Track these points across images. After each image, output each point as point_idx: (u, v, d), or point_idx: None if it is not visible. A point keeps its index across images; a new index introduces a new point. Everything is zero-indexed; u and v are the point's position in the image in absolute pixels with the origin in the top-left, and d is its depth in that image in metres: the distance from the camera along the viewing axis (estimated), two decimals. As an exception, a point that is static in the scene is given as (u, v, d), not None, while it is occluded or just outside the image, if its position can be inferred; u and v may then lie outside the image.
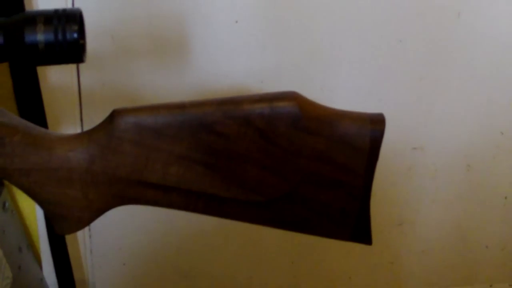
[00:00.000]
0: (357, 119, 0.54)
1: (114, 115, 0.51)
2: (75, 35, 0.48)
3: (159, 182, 0.53)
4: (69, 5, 0.89)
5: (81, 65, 0.92)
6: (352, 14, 0.94)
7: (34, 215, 0.97)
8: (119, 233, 1.04)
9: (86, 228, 1.04)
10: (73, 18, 0.48)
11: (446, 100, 1.03)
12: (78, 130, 0.96)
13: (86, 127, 0.97)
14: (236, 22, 0.92)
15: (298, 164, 0.54)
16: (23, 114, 0.90)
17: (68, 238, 0.99)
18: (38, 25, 0.47)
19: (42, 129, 0.53)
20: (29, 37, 0.47)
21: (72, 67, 0.92)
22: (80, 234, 1.02)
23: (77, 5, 0.88)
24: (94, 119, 0.96)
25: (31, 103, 0.90)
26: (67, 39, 0.48)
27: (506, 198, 1.14)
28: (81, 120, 0.95)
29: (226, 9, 0.91)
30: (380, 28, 0.96)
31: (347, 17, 0.94)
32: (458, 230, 1.17)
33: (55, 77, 0.92)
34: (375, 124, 0.55)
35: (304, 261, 1.15)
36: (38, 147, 0.51)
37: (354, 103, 0.99)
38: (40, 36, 0.47)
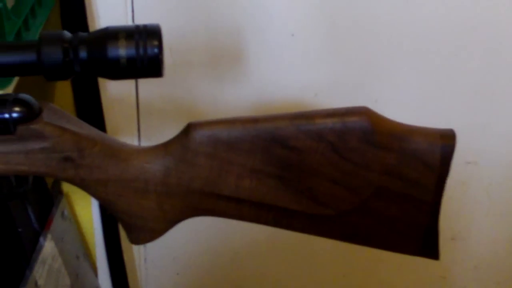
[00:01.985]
0: (428, 135, 0.55)
1: (189, 128, 0.52)
2: (156, 50, 0.49)
3: (232, 194, 0.53)
4: (129, 21, 0.91)
5: (139, 78, 0.94)
6: (407, 27, 0.94)
7: (91, 224, 0.99)
8: (173, 243, 1.05)
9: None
10: (154, 34, 0.49)
11: (501, 114, 1.02)
12: (136, 142, 0.98)
13: (144, 139, 0.99)
14: (292, 35, 0.93)
15: (369, 179, 0.54)
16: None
17: (124, 247, 1.01)
18: (120, 40, 0.49)
19: (119, 141, 0.54)
20: (111, 52, 0.48)
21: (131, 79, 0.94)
22: (135, 243, 1.03)
23: (137, 19, 0.90)
24: (151, 131, 0.98)
25: (91, 115, 0.93)
26: (148, 54, 0.49)
27: (561, 214, 1.12)
28: (139, 131, 0.97)
29: (282, 22, 0.92)
30: (435, 41, 0.96)
31: (402, 29, 0.94)
32: (511, 246, 1.15)
33: (114, 89, 0.94)
34: (445, 140, 0.55)
35: (356, 274, 1.14)
36: (116, 159, 0.52)
37: (408, 117, 0.98)
38: (122, 51, 0.49)
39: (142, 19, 0.90)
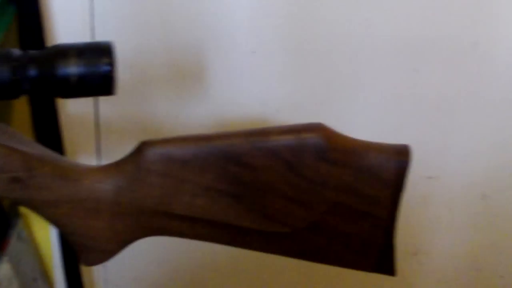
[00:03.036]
0: (383, 151, 0.55)
1: (142, 147, 0.51)
2: (107, 68, 0.48)
3: (186, 213, 0.53)
4: (87, 38, 0.90)
5: (99, 95, 0.93)
6: (368, 44, 0.95)
7: (49, 245, 0.97)
8: (133, 263, 1.03)
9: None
10: (105, 51, 0.49)
11: (461, 130, 1.04)
12: (94, 161, 0.97)
13: (104, 157, 0.97)
14: (253, 52, 0.93)
15: (324, 195, 0.54)
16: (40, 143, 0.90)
17: (83, 268, 0.99)
18: (71, 58, 0.48)
19: (70, 161, 0.53)
20: (61, 70, 0.48)
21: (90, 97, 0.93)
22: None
23: (97, 37, 0.89)
24: (111, 149, 0.97)
25: (49, 133, 0.91)
26: (100, 72, 0.48)
27: (521, 227, 1.14)
28: (99, 151, 0.96)
29: (243, 39, 0.92)
30: (396, 58, 0.97)
31: (363, 47, 0.95)
32: (474, 259, 1.16)
33: (73, 107, 0.93)
34: (400, 156, 0.55)
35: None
36: (67, 179, 0.51)
37: (370, 133, 0.98)
38: (73, 69, 0.48)
39: (102, 37, 0.89)
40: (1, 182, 0.50)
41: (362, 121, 1.00)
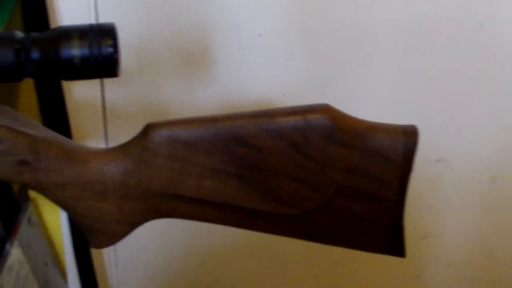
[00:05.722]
0: (390, 131, 0.54)
1: (148, 129, 0.51)
2: (111, 50, 0.48)
3: (193, 195, 0.52)
4: (92, 21, 0.90)
5: (105, 80, 0.93)
6: (374, 25, 0.94)
7: (59, 229, 0.98)
8: (143, 247, 1.04)
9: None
10: (108, 33, 0.48)
11: (469, 111, 1.03)
12: (102, 145, 0.97)
13: (111, 141, 0.97)
14: (259, 35, 0.93)
15: (332, 177, 0.53)
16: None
17: (93, 252, 0.99)
18: (73, 40, 0.48)
19: (76, 143, 0.53)
20: (64, 52, 0.47)
21: (96, 81, 0.93)
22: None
23: (101, 20, 0.89)
24: (118, 133, 0.97)
25: (56, 118, 0.91)
26: (102, 53, 0.48)
27: (531, 209, 1.13)
28: (106, 134, 0.96)
29: (249, 22, 0.92)
30: (403, 40, 0.96)
31: (369, 29, 0.94)
32: (484, 241, 1.15)
33: (79, 92, 0.92)
34: (408, 136, 0.54)
35: (328, 274, 1.14)
36: (73, 161, 0.51)
37: (376, 115, 0.98)
38: (75, 51, 0.48)
39: (106, 20, 0.89)
40: (8, 166, 0.50)
41: (369, 104, 0.99)
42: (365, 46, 0.95)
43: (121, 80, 0.93)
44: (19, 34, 0.48)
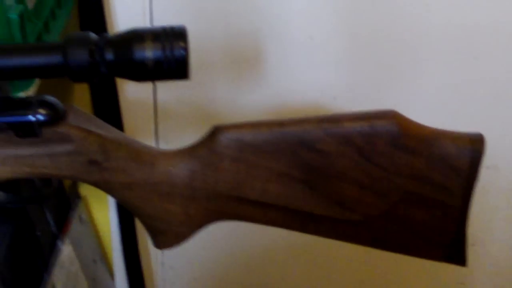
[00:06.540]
0: (457, 139, 0.54)
1: (215, 132, 0.52)
2: (183, 52, 0.48)
3: (258, 198, 0.53)
4: (147, 22, 0.90)
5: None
6: (427, 30, 0.93)
7: (108, 228, 0.99)
8: (190, 248, 1.04)
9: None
10: (180, 35, 0.49)
11: (521, 119, 1.01)
12: (153, 145, 0.97)
13: (162, 142, 0.98)
14: (311, 38, 0.92)
15: (397, 183, 0.53)
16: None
17: (141, 251, 1.00)
18: (147, 42, 0.48)
19: (144, 144, 0.54)
20: (138, 54, 0.48)
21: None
22: (152, 247, 1.03)
23: (156, 21, 0.90)
24: (169, 134, 0.98)
25: (109, 117, 0.92)
26: (175, 55, 0.48)
27: None
28: (156, 134, 0.97)
29: (300, 25, 0.91)
30: (455, 45, 0.95)
31: (422, 33, 0.93)
32: (531, 252, 1.13)
33: (132, 92, 0.93)
34: (474, 144, 0.54)
35: (373, 280, 1.13)
36: (141, 162, 0.52)
37: (428, 121, 0.98)
38: (149, 52, 0.48)
39: (161, 21, 0.90)
40: (78, 165, 0.51)
41: (420, 109, 0.98)
42: (418, 50, 0.94)
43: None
44: (93, 35, 0.49)
